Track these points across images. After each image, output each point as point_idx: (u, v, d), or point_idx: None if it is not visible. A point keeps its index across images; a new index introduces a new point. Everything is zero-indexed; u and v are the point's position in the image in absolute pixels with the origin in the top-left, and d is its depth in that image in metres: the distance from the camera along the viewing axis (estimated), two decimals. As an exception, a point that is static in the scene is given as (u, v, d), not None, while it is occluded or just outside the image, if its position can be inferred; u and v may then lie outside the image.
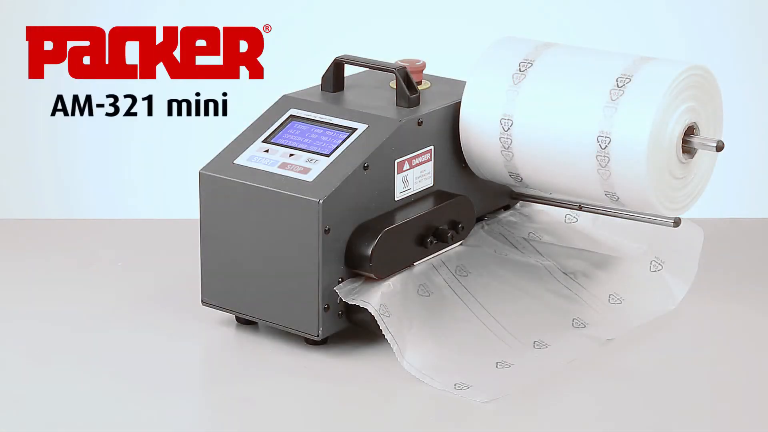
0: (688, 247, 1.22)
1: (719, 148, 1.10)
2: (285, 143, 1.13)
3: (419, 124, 1.14)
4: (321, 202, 1.05)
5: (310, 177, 1.08)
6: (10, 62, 1.96)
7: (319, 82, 1.21)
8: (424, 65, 1.22)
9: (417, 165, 1.14)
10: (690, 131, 1.11)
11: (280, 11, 1.94)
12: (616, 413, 1.01)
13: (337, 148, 1.10)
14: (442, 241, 1.13)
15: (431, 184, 1.16)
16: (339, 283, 1.08)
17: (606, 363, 1.09)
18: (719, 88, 1.13)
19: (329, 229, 1.06)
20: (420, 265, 1.12)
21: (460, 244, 1.17)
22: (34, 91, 1.97)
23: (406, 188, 1.13)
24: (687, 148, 1.11)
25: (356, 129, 1.12)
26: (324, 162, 1.09)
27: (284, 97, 1.19)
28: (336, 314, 1.08)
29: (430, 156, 1.16)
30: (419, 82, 1.22)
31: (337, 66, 1.20)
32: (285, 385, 1.05)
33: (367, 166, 1.09)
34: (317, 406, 1.02)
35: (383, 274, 1.09)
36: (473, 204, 1.17)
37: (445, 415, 1.00)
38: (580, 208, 1.21)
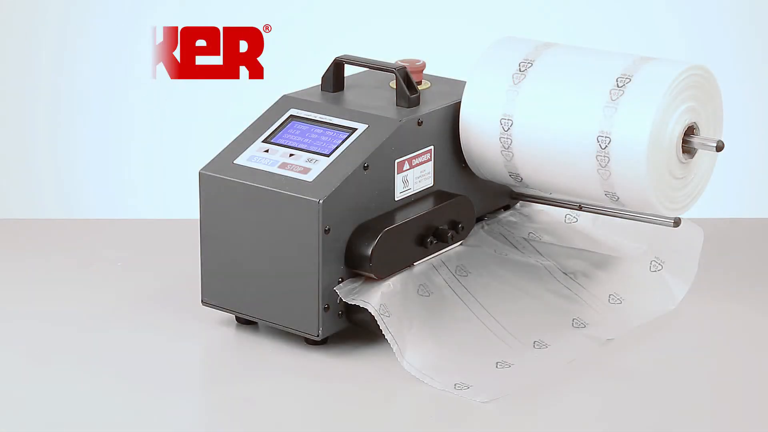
0: (688, 247, 1.22)
1: (719, 148, 1.10)
2: (285, 143, 1.13)
3: (419, 124, 1.14)
4: (321, 202, 1.05)
5: (310, 177, 1.08)
6: (10, 62, 1.97)
7: (319, 82, 1.21)
8: (424, 65, 1.22)
9: (417, 165, 1.14)
10: (690, 131, 1.11)
11: (280, 11, 1.95)
12: (616, 413, 1.01)
13: (337, 148, 1.10)
14: (442, 241, 1.13)
15: (431, 184, 1.16)
16: (339, 283, 1.08)
17: (606, 363, 1.09)
18: (719, 88, 1.13)
19: (329, 229, 1.06)
20: (420, 265, 1.12)
21: (460, 244, 1.17)
22: (35, 91, 1.97)
23: (406, 188, 1.13)
24: (687, 148, 1.11)
25: (356, 129, 1.12)
26: (324, 162, 1.09)
27: (284, 97, 1.19)
28: (336, 314, 1.08)
29: (430, 156, 1.16)
30: (419, 82, 1.21)
31: (337, 66, 1.20)
32: (285, 385, 1.05)
33: (367, 166, 1.09)
34: (317, 406, 1.02)
35: (383, 274, 1.09)
36: (473, 204, 1.17)
37: (445, 415, 1.00)
38: (580, 208, 1.21)
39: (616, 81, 1.09)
